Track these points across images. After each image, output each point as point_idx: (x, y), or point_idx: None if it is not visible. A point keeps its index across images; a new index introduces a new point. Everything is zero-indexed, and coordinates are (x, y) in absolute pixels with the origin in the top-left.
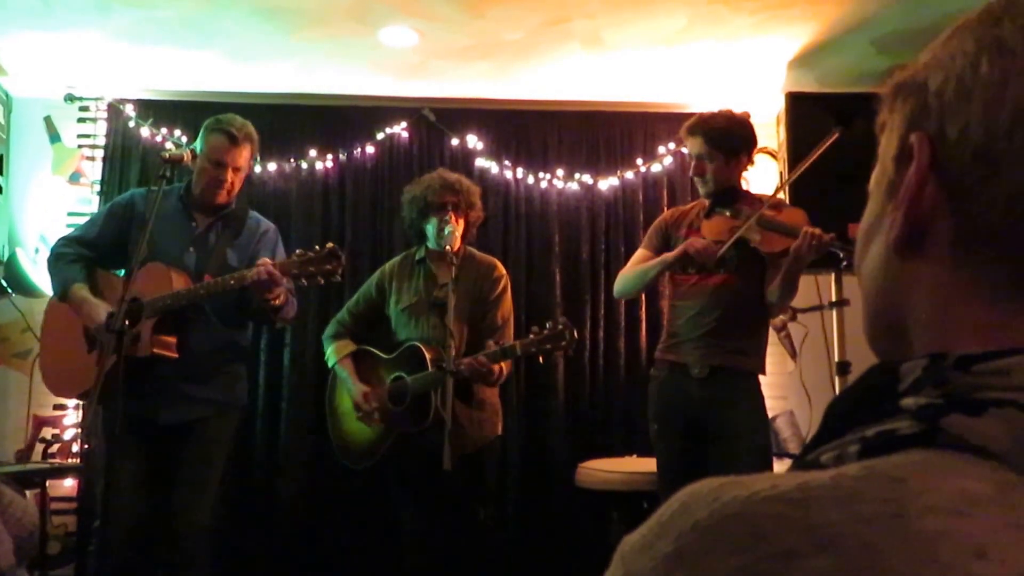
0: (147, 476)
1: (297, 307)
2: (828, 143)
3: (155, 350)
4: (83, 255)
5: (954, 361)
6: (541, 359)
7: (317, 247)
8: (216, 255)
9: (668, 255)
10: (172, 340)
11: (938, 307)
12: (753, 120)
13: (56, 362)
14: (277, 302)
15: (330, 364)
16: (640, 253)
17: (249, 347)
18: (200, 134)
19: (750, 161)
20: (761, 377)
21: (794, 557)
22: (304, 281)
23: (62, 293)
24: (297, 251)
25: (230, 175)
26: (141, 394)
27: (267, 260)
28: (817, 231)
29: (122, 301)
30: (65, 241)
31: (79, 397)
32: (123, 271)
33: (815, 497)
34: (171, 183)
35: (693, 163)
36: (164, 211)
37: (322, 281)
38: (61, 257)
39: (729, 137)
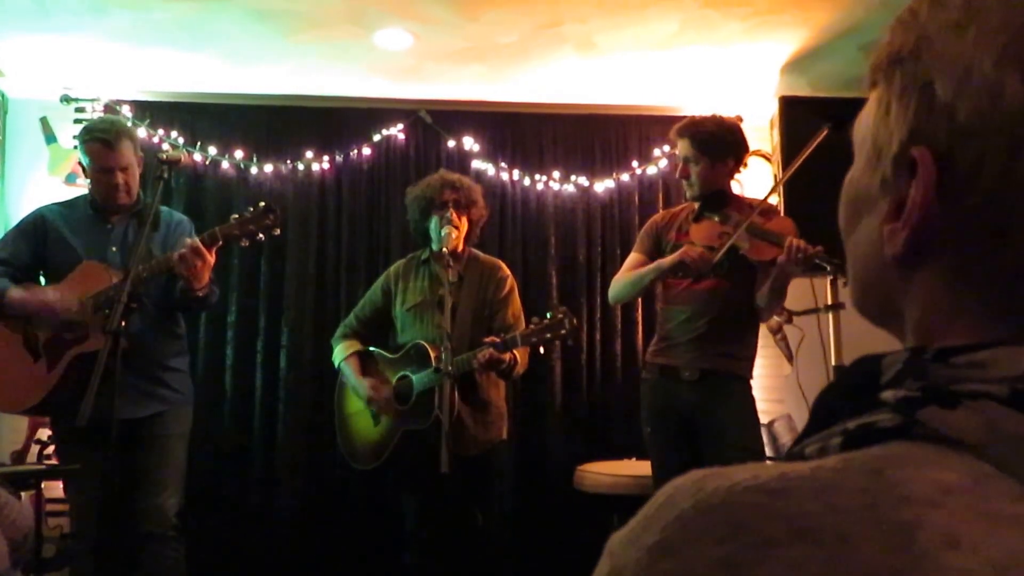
0: (106, 478)
1: (218, 294)
2: (818, 140)
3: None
4: (2, 272)
5: (933, 354)
6: (542, 349)
7: (252, 208)
8: (140, 249)
9: (664, 262)
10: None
11: (929, 308)
12: (747, 124)
13: (1, 380)
14: (201, 293)
15: (336, 364)
16: (633, 257)
17: (185, 339)
18: (79, 148)
19: (739, 165)
20: (756, 380)
21: (772, 546)
22: (245, 241)
23: None
24: (233, 216)
25: (120, 176)
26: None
27: (194, 239)
28: (802, 244)
29: (118, 302)
30: None
31: (30, 411)
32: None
33: (794, 488)
34: (169, 184)
35: (680, 166)
36: (76, 221)
37: (262, 237)
38: None
39: (716, 141)
